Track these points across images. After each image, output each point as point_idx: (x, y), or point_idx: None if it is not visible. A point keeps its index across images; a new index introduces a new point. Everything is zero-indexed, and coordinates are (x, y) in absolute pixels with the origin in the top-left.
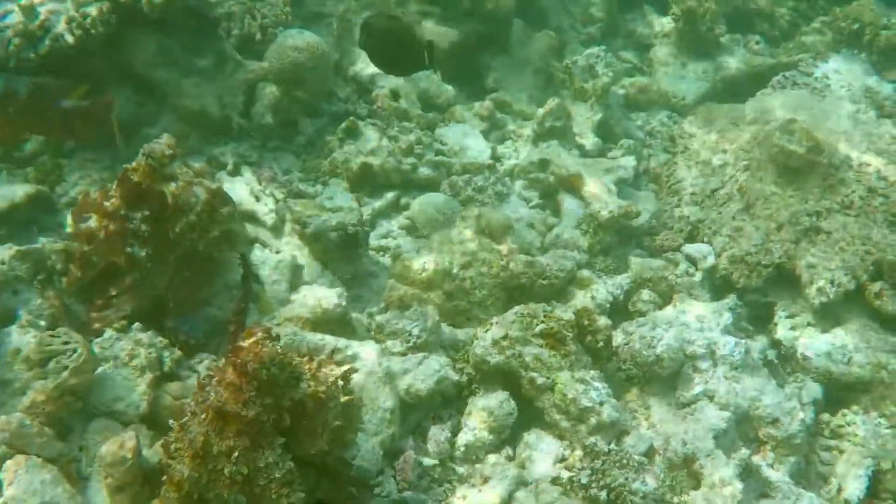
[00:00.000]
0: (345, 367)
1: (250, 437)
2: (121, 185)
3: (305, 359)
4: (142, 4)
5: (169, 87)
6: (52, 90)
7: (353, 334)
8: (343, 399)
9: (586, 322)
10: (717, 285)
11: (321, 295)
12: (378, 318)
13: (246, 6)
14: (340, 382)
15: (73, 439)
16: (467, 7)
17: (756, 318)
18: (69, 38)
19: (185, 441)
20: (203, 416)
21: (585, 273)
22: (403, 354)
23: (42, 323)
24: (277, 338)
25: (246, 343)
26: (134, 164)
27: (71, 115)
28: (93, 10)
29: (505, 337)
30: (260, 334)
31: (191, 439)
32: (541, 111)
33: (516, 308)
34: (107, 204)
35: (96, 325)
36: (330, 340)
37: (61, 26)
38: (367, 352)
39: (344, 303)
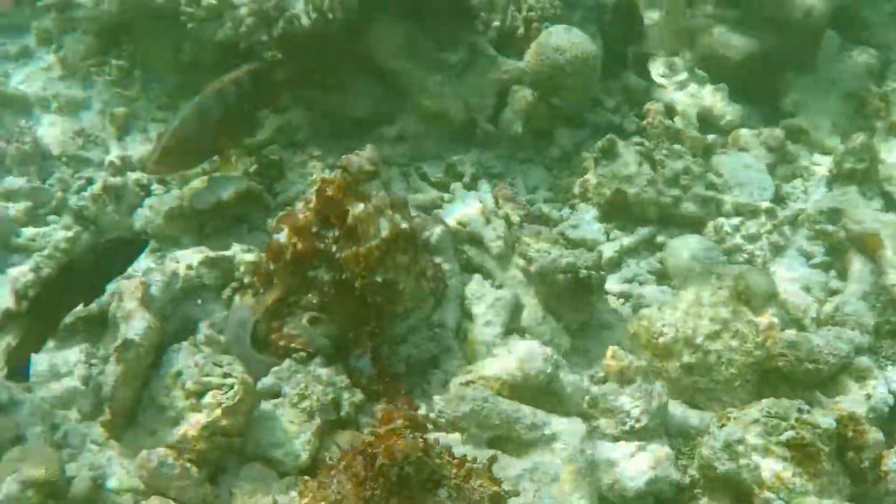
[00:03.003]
0: (500, 489)
1: None
2: (317, 197)
3: (455, 461)
4: None
5: (411, 83)
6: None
7: (559, 405)
8: None
9: (851, 433)
10: None
11: (525, 355)
12: (593, 389)
13: None
14: None
15: (224, 482)
16: (771, 14)
17: None
18: (304, 21)
19: None
20: None
21: (865, 361)
22: (616, 440)
23: (223, 339)
24: (422, 427)
25: (381, 431)
26: (331, 175)
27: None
28: None
29: (741, 441)
30: (399, 422)
31: None
32: (842, 147)
33: (763, 402)
34: (300, 217)
35: (281, 345)
36: (526, 412)
37: (298, 7)
38: (568, 432)
39: (550, 369)
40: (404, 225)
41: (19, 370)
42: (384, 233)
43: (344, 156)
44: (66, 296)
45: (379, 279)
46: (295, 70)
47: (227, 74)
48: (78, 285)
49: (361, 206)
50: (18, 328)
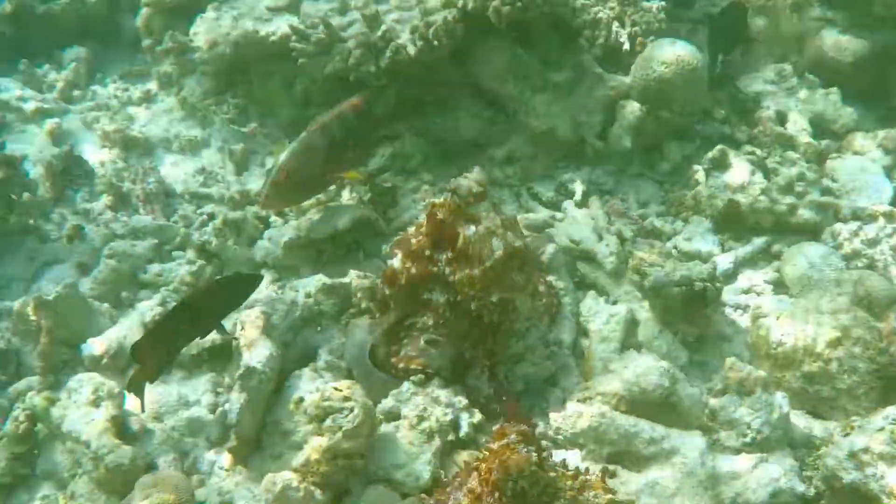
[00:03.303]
0: (615, 497)
1: None
2: (428, 221)
3: (570, 473)
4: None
5: (519, 104)
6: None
7: (678, 419)
8: None
9: None
10: None
11: (642, 370)
12: (713, 401)
13: (615, 12)
14: None
15: None
16: (880, 12)
17: None
18: (411, 50)
19: None
20: None
21: None
22: (737, 452)
23: (343, 365)
24: (536, 441)
25: (495, 446)
26: (441, 199)
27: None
28: (438, 19)
29: (866, 449)
30: (513, 437)
31: None
32: None
33: (888, 409)
34: (413, 241)
35: (401, 367)
36: (644, 427)
37: (404, 36)
38: (688, 446)
39: (667, 382)
40: (518, 243)
41: None
42: (498, 253)
43: (452, 179)
44: (182, 331)
45: (494, 299)
46: (402, 98)
47: (332, 109)
48: (193, 321)
49: (472, 228)
50: (136, 361)
